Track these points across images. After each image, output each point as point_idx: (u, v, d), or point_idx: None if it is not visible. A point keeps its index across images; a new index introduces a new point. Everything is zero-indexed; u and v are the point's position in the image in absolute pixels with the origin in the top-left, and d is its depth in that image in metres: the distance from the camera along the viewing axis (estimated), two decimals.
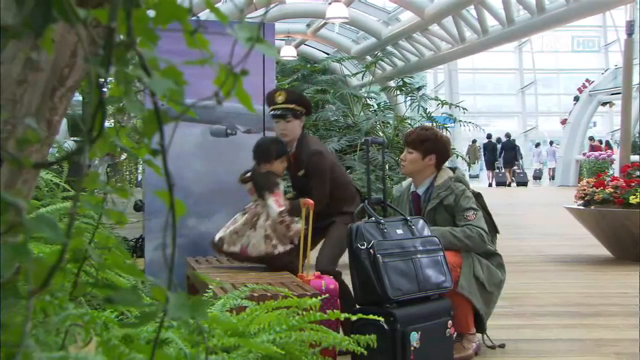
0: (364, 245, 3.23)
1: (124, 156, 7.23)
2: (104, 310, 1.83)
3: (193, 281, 3.80)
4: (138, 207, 6.92)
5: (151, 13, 0.79)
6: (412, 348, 3.07)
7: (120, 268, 1.17)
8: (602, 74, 22.87)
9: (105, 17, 0.74)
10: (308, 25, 17.02)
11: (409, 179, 3.93)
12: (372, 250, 3.20)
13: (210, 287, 2.86)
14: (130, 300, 0.80)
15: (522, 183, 24.24)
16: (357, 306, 3.25)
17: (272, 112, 3.86)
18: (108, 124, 0.91)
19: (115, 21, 0.73)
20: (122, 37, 0.75)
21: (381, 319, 2.80)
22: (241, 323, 2.13)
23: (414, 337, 3.08)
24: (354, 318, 2.46)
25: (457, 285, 3.48)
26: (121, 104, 0.80)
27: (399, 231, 3.40)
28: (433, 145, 3.75)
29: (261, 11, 12.54)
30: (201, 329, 0.86)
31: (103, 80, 0.74)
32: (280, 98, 3.85)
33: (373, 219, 3.42)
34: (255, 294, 2.76)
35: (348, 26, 16.79)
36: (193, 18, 0.82)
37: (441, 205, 3.66)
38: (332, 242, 3.76)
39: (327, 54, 17.94)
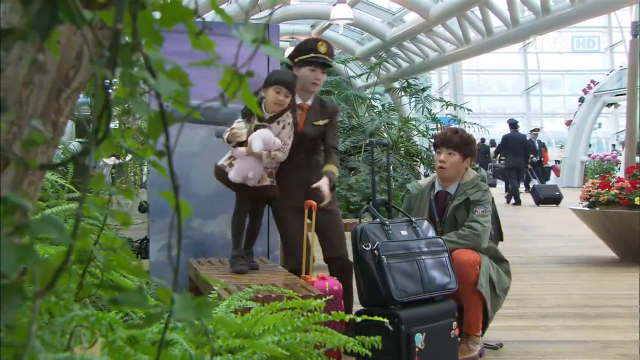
0: (368, 246, 3.23)
1: (129, 157, 7.24)
2: (109, 311, 1.83)
3: (196, 282, 3.80)
4: (143, 208, 6.93)
5: (157, 15, 0.79)
6: (417, 349, 3.07)
7: (126, 269, 1.17)
8: (607, 75, 22.80)
9: (110, 19, 0.74)
10: (312, 27, 17.03)
11: (429, 178, 3.93)
12: (377, 251, 3.20)
13: (214, 288, 2.86)
14: (136, 302, 0.81)
15: None
16: (362, 307, 3.25)
17: (311, 59, 3.75)
18: (113, 125, 0.91)
19: (121, 23, 0.73)
20: (127, 38, 0.76)
21: (386, 320, 2.80)
22: (246, 324, 2.13)
23: (419, 339, 3.08)
24: (358, 319, 2.46)
25: (476, 283, 3.47)
26: (127, 106, 0.80)
27: (404, 232, 3.40)
28: (472, 149, 3.81)
29: (266, 12, 12.54)
30: (206, 330, 0.86)
31: (108, 81, 0.74)
32: (322, 48, 3.79)
33: (378, 220, 3.42)
34: (260, 295, 2.76)
35: (352, 27, 16.79)
36: (198, 19, 0.82)
37: (466, 201, 3.66)
38: (339, 230, 3.81)
39: None
